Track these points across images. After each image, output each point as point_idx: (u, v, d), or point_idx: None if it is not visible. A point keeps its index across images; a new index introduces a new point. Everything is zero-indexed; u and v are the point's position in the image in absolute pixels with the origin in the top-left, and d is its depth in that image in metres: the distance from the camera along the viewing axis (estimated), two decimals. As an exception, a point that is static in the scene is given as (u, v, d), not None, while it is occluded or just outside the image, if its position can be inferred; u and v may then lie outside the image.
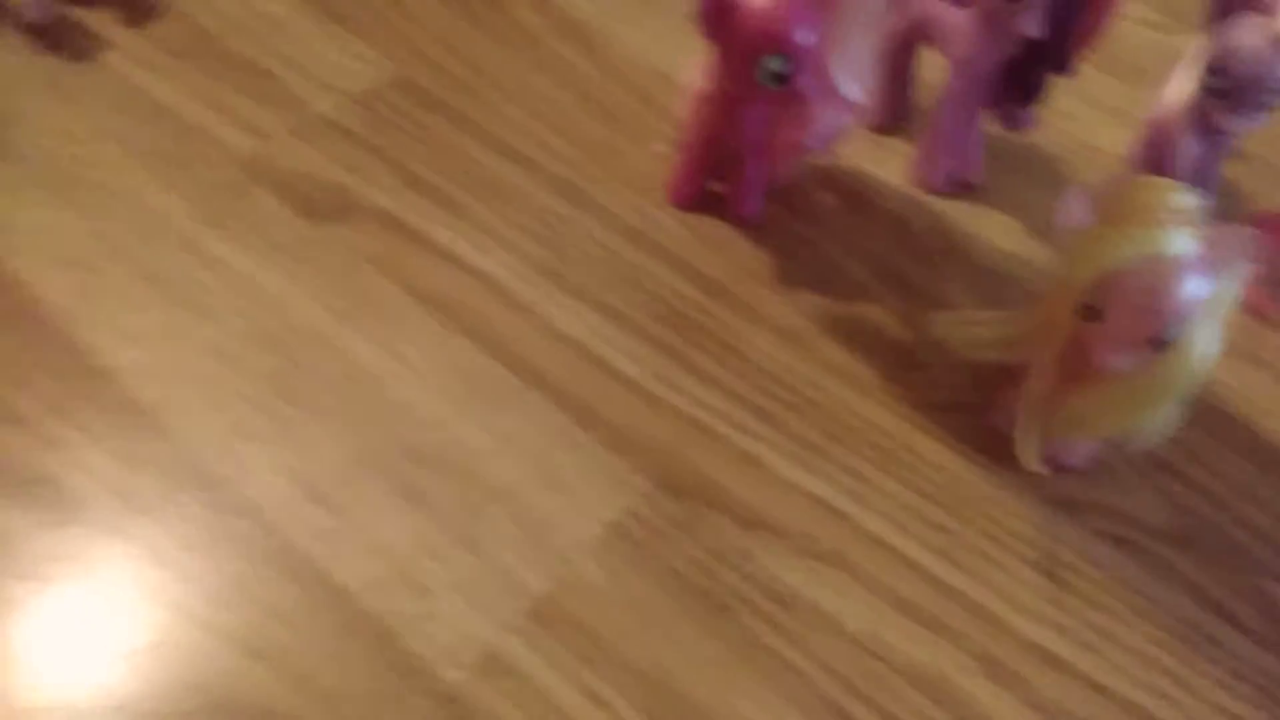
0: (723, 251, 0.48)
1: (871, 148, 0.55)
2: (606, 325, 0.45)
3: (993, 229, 0.52)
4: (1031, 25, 0.47)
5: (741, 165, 0.47)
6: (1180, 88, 0.52)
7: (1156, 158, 0.53)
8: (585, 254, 0.47)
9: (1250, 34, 0.48)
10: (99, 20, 0.54)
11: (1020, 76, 0.51)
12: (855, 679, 0.36)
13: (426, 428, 0.41)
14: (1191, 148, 0.52)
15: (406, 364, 0.42)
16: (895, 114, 0.56)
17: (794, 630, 0.37)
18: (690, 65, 0.46)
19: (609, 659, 0.36)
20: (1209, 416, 0.46)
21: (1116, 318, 0.36)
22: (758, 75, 0.41)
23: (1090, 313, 0.37)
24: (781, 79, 0.41)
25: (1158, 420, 0.40)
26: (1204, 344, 0.37)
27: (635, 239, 0.48)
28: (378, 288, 0.45)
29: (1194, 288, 0.36)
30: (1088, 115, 0.61)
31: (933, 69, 0.52)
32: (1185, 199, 0.36)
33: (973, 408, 0.44)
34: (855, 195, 0.52)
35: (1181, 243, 0.35)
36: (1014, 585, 0.39)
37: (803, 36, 0.40)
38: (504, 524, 0.38)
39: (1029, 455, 0.39)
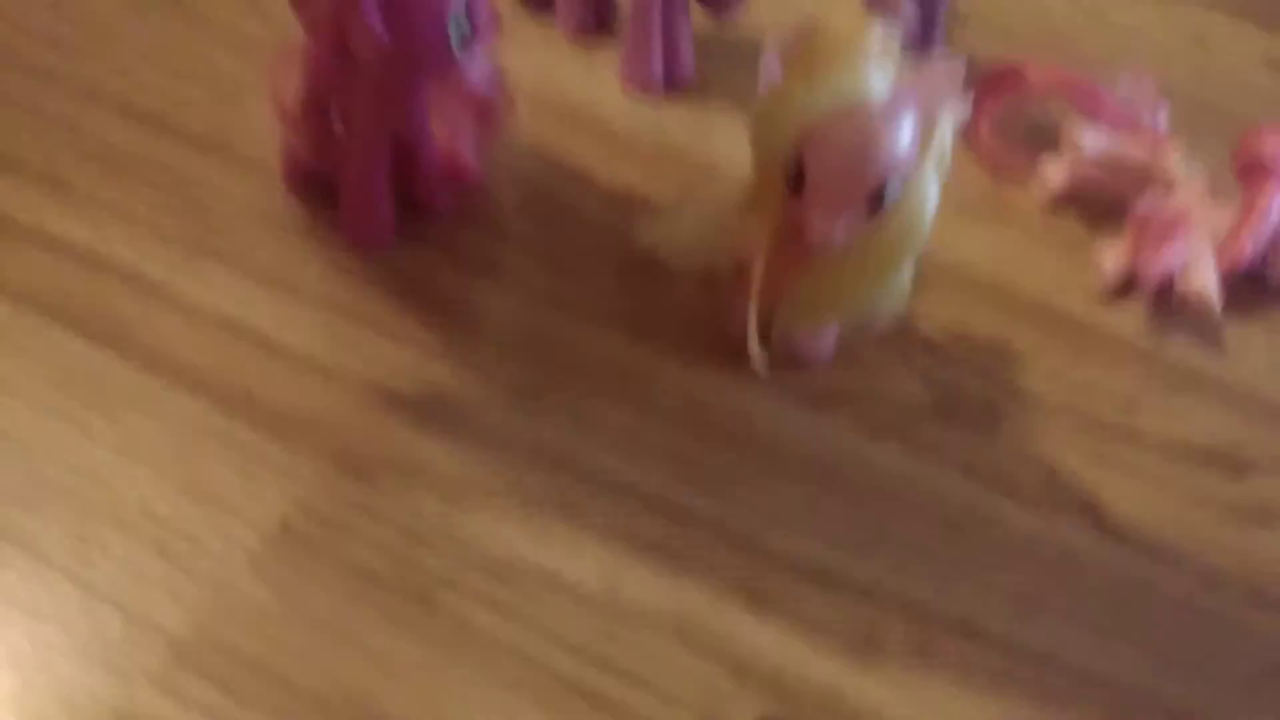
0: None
1: (578, 58, 0.50)
2: (263, 292, 0.37)
3: (712, 127, 0.47)
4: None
5: (420, 151, 0.39)
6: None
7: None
8: (233, 212, 0.40)
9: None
10: None
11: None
12: (595, 646, 0.30)
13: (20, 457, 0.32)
14: (907, 7, 0.48)
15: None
16: (599, 18, 0.51)
17: (516, 606, 0.31)
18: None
19: (281, 692, 0.28)
20: (957, 281, 0.43)
21: (821, 182, 0.32)
22: (451, 39, 0.33)
23: (794, 183, 0.32)
24: (467, 40, 0.34)
25: (892, 291, 0.35)
26: (925, 197, 0.33)
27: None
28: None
29: (904, 134, 0.31)
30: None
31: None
32: (880, 34, 0.32)
33: (710, 313, 0.39)
34: (565, 114, 0.46)
35: (880, 85, 0.31)
36: (770, 501, 0.34)
37: None
38: (129, 555, 0.30)
39: (755, 357, 0.34)
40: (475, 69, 0.38)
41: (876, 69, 0.31)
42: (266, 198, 0.40)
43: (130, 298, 0.36)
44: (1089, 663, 0.32)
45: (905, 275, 0.35)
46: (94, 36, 0.46)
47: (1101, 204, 0.47)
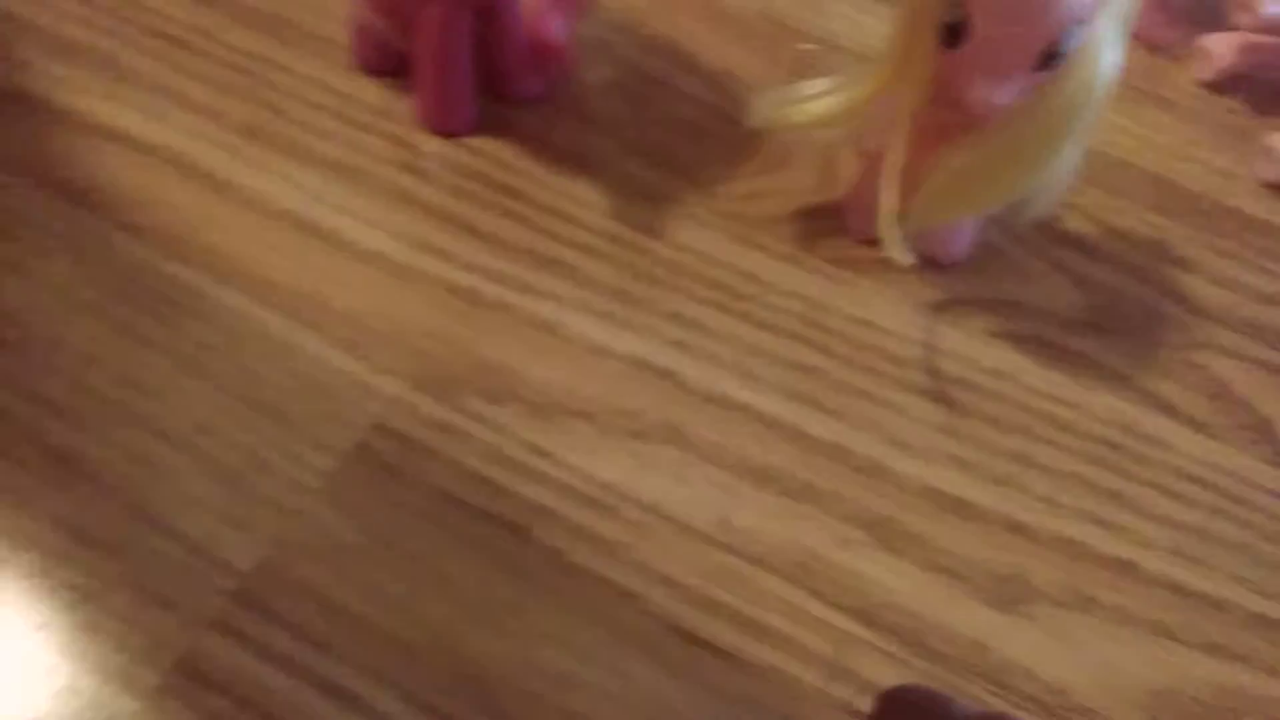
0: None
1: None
2: (333, 186, 0.34)
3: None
4: None
5: (504, 27, 0.34)
6: None
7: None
8: (300, 100, 0.36)
9: None
10: None
11: None
12: (706, 587, 0.27)
13: (58, 370, 0.29)
14: None
15: (40, 281, 0.31)
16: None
17: (616, 540, 0.28)
18: None
19: (357, 635, 0.26)
20: (1108, 171, 0.37)
21: (989, 31, 0.27)
22: None
23: (953, 33, 0.27)
24: None
25: (1053, 177, 0.30)
26: (1107, 57, 0.27)
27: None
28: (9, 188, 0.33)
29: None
30: None
31: None
32: None
33: (825, 212, 0.35)
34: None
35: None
36: (899, 422, 0.30)
37: None
38: (192, 484, 0.28)
39: (896, 246, 0.30)
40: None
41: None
42: (334, 79, 0.36)
43: (184, 191, 0.33)
44: (1265, 610, 0.28)
45: (1070, 157, 0.30)
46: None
47: (1272, 84, 0.41)
